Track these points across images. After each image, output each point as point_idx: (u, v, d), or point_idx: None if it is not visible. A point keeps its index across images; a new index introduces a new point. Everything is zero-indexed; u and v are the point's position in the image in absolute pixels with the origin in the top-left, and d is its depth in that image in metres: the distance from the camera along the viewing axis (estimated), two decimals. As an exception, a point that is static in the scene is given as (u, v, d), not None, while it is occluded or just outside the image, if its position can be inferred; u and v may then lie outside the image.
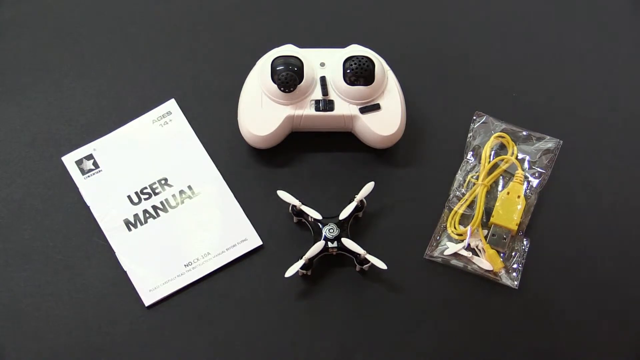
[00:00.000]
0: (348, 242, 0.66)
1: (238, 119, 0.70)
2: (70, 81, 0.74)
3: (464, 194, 0.70)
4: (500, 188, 0.70)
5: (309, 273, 0.67)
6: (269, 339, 0.65)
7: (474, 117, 0.73)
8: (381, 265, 0.65)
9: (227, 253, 0.68)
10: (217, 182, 0.70)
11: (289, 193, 0.68)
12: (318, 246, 0.66)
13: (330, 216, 0.67)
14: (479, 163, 0.71)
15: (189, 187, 0.70)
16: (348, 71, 0.68)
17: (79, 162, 0.70)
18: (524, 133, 0.72)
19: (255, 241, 0.68)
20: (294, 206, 0.67)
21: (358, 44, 0.71)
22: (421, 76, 0.75)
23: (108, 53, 0.76)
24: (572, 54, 0.77)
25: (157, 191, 0.70)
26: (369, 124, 0.69)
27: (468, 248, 0.68)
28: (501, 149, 0.72)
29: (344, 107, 0.69)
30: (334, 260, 0.67)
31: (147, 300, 0.66)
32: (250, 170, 0.71)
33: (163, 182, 0.70)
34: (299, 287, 0.67)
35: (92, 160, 0.71)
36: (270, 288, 0.67)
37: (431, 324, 0.66)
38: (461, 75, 0.75)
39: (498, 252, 0.68)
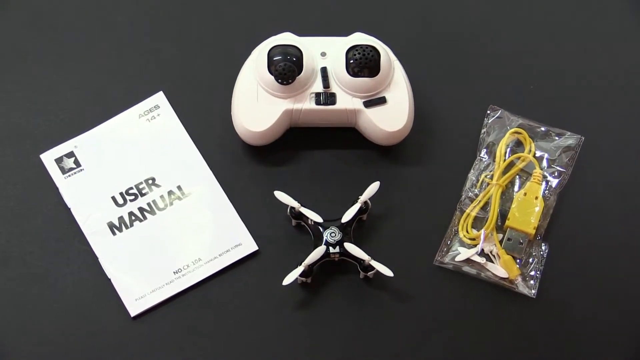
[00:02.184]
0: (351, 247, 0.66)
1: (232, 113, 0.70)
2: (50, 72, 0.74)
3: (477, 195, 0.70)
4: (516, 188, 0.70)
5: (309, 281, 0.67)
6: (266, 352, 0.65)
7: (488, 112, 0.73)
8: (387, 272, 0.65)
9: (220, 259, 0.68)
10: (209, 182, 0.70)
11: (287, 194, 0.67)
12: (319, 251, 0.65)
13: (331, 219, 0.67)
14: (494, 161, 0.71)
15: (179, 188, 0.70)
16: (351, 61, 0.68)
17: (58, 161, 0.70)
18: (543, 129, 0.72)
19: (250, 246, 0.68)
20: (292, 208, 0.67)
21: (362, 31, 0.71)
22: (430, 67, 0.75)
23: (90, 41, 0.75)
24: (595, 43, 0.77)
25: (144, 192, 0.70)
26: (374, 118, 0.69)
27: (481, 254, 0.68)
28: (517, 146, 0.72)
29: (347, 100, 0.69)
30: (336, 267, 0.67)
31: (133, 311, 0.66)
32: (245, 169, 0.71)
33: (150, 182, 0.70)
34: (298, 296, 0.67)
35: (73, 158, 0.70)
36: (266, 297, 0.67)
37: (441, 335, 0.66)
38: (474, 66, 0.75)
39: (514, 258, 0.68)
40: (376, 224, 0.69)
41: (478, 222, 0.69)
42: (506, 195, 0.70)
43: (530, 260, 0.68)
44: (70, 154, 0.70)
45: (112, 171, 0.70)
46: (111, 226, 0.68)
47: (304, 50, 0.69)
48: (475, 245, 0.68)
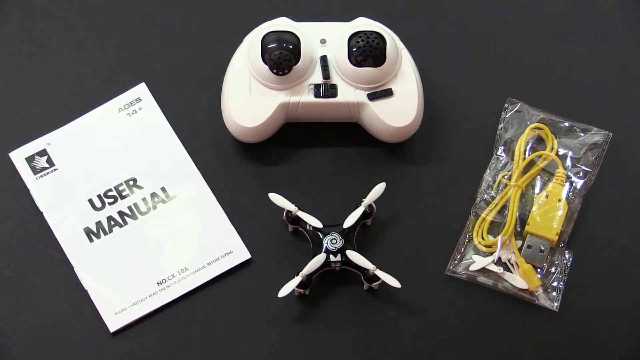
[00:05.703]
0: (354, 256, 0.66)
1: (222, 107, 0.70)
2: (20, 62, 0.74)
3: (493, 198, 0.69)
4: (537, 190, 0.70)
5: (307, 292, 0.67)
6: (259, 371, 0.65)
7: (506, 105, 0.73)
8: (394, 282, 0.65)
9: (209, 268, 0.68)
10: (196, 184, 0.70)
11: (283, 196, 0.67)
12: (318, 260, 0.65)
13: (332, 224, 0.67)
14: (512, 160, 0.71)
15: (163, 190, 0.70)
16: (354, 49, 0.68)
17: (30, 159, 0.70)
18: (566, 124, 0.72)
19: (242, 254, 0.68)
20: (288, 212, 0.67)
21: (366, 16, 0.71)
22: (442, 56, 0.75)
23: (65, 27, 0.75)
24: (624, 30, 0.77)
25: (124, 194, 0.70)
26: (379, 113, 0.69)
27: (498, 262, 0.68)
28: (538, 143, 0.72)
29: (349, 92, 0.69)
30: (337, 277, 0.67)
31: (113, 326, 0.66)
32: (237, 169, 0.71)
33: (131, 183, 0.70)
34: (295, 309, 0.67)
35: (45, 157, 0.70)
36: (260, 310, 0.67)
37: (454, 353, 0.66)
38: (490, 55, 0.75)
39: (534, 267, 0.68)
40: (382, 229, 0.69)
41: (495, 228, 0.69)
42: (526, 198, 0.70)
43: (553, 269, 0.68)
44: (43, 152, 0.70)
45: (88, 171, 0.70)
46: (88, 232, 0.68)
47: (301, 37, 0.69)
48: (491, 253, 0.68)
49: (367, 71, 0.68)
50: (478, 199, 0.69)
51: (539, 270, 0.68)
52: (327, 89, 0.69)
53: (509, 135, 0.71)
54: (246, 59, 0.69)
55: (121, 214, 0.69)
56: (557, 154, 0.70)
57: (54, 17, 0.76)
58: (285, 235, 0.69)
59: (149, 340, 0.66)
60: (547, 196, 0.69)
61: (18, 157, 0.70)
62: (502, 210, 0.69)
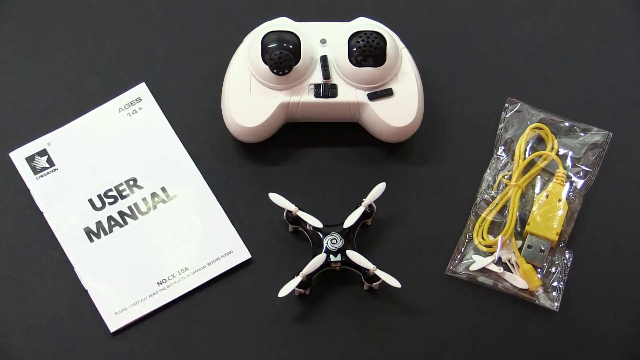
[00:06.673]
0: (354, 255, 0.66)
1: (222, 107, 0.70)
2: (21, 61, 0.74)
3: (493, 198, 0.70)
4: (537, 190, 0.70)
5: (308, 292, 0.67)
6: (259, 371, 0.66)
7: (506, 105, 0.73)
8: (394, 282, 0.65)
9: (209, 268, 0.68)
10: (196, 184, 0.70)
11: (283, 196, 0.68)
12: (318, 260, 0.66)
13: (332, 224, 0.67)
14: (512, 160, 0.71)
15: (163, 189, 0.70)
16: (354, 49, 0.68)
17: (30, 159, 0.71)
18: (566, 124, 0.72)
19: (242, 254, 0.68)
20: (289, 212, 0.68)
21: (366, 16, 0.71)
22: (442, 55, 0.75)
23: (65, 27, 0.76)
24: (623, 29, 0.77)
25: (124, 194, 0.70)
26: (380, 112, 0.69)
27: (499, 262, 0.68)
28: (539, 143, 0.72)
29: (349, 92, 0.69)
30: (338, 277, 0.67)
31: (113, 326, 0.66)
32: (237, 169, 0.71)
33: (132, 183, 0.70)
34: (295, 309, 0.67)
35: (45, 157, 0.71)
36: (260, 310, 0.67)
37: (454, 353, 0.66)
38: (490, 55, 0.76)
39: (535, 267, 0.68)
40: (382, 229, 0.69)
41: (495, 228, 0.69)
42: (526, 198, 0.70)
43: (553, 269, 0.68)
44: (43, 152, 0.71)
45: (89, 171, 0.70)
46: (88, 232, 0.69)
47: (301, 37, 0.69)
48: (491, 253, 0.68)
49: (367, 71, 0.68)
50: (478, 199, 0.70)
51: (539, 270, 0.68)
52: (327, 89, 0.69)
53: (509, 135, 0.71)
54: (246, 59, 0.69)
55: (121, 214, 0.69)
56: (557, 154, 0.71)
57: (54, 17, 0.76)
58: (285, 235, 0.69)
59: (149, 340, 0.66)
60: (547, 196, 0.69)
61: (18, 157, 0.70)
62: (502, 210, 0.69)
